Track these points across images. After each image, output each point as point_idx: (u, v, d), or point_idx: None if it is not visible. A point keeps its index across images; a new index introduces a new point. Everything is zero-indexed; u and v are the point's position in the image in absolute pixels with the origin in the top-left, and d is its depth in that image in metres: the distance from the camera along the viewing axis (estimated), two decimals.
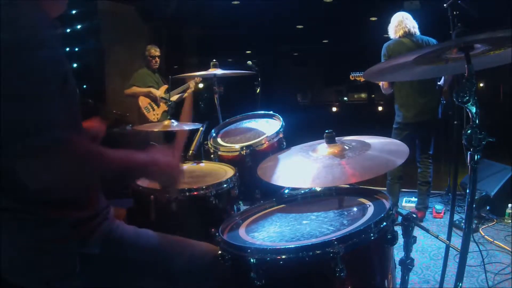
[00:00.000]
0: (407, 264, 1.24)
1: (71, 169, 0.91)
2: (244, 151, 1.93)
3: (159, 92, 4.36)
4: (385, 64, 1.39)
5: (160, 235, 1.27)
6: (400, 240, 1.18)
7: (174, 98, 4.27)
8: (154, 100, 4.36)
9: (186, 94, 4.40)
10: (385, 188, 3.55)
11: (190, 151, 2.01)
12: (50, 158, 0.87)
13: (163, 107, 4.39)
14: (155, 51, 4.39)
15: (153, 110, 4.38)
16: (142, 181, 1.72)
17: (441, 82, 3.36)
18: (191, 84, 4.40)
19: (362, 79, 4.08)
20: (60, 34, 1.00)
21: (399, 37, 3.30)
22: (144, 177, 1.45)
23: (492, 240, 3.02)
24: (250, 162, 1.91)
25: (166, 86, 4.47)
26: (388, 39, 3.41)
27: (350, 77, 4.17)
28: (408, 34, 3.27)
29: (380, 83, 3.49)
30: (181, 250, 1.25)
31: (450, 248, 2.07)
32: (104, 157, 0.98)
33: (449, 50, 1.21)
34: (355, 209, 1.29)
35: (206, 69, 2.61)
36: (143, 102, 4.34)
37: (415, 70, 1.35)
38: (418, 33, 3.31)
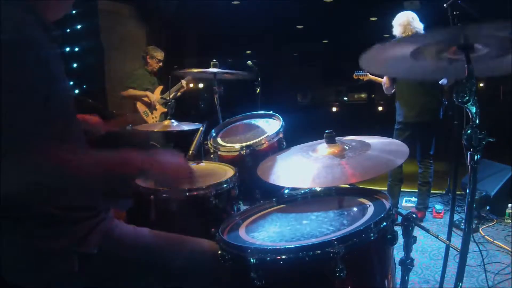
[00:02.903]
0: (407, 264, 1.24)
1: (35, 175, 0.87)
2: (244, 151, 1.93)
3: (155, 97, 4.38)
4: (384, 49, 1.32)
5: (159, 233, 1.27)
6: (400, 240, 1.18)
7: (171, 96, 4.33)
8: (149, 105, 4.38)
9: (179, 94, 4.45)
10: (385, 188, 3.55)
11: (190, 151, 2.01)
12: (15, 162, 0.84)
13: (160, 109, 4.41)
14: (161, 55, 4.41)
15: (151, 114, 4.41)
16: (142, 181, 1.72)
17: (442, 82, 3.34)
18: (184, 83, 4.44)
19: (365, 79, 4.09)
20: (56, 34, 0.99)
21: (404, 36, 3.29)
22: (140, 177, 1.44)
23: (492, 240, 3.02)
24: (250, 162, 1.91)
25: (161, 87, 4.50)
26: (388, 39, 3.41)
27: (354, 76, 4.18)
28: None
29: (382, 82, 3.50)
30: (181, 248, 1.24)
31: (450, 248, 2.07)
32: (80, 164, 0.93)
33: (447, 44, 1.19)
34: (355, 209, 1.29)
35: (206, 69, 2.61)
36: (141, 107, 4.38)
37: (414, 66, 1.33)
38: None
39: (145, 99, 4.35)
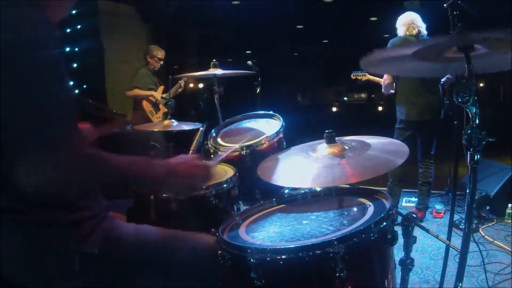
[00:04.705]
0: (407, 264, 1.24)
1: (66, 169, 0.90)
2: (244, 151, 1.93)
3: (159, 96, 4.42)
4: (385, 54, 1.35)
5: (160, 230, 1.27)
6: (400, 240, 1.18)
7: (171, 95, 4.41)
8: (154, 104, 4.43)
9: (177, 93, 4.55)
10: (385, 188, 3.55)
11: (190, 151, 2.01)
12: (47, 157, 0.86)
13: (163, 109, 4.45)
14: (162, 54, 4.43)
15: (156, 113, 4.45)
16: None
17: (446, 78, 3.33)
18: (181, 83, 4.53)
19: (364, 79, 4.09)
20: (59, 35, 1.00)
21: (407, 35, 3.30)
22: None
23: (492, 240, 3.02)
24: (250, 162, 1.91)
25: (162, 87, 4.54)
26: (388, 39, 3.41)
27: (351, 76, 4.18)
28: (417, 35, 3.27)
29: (382, 81, 3.49)
30: (182, 244, 1.24)
31: (450, 248, 2.07)
32: (103, 162, 0.97)
33: (448, 47, 1.21)
34: (355, 209, 1.29)
35: (206, 69, 2.61)
36: (147, 106, 4.42)
37: (414, 66, 1.34)
38: (425, 34, 3.32)
39: (151, 98, 4.38)
